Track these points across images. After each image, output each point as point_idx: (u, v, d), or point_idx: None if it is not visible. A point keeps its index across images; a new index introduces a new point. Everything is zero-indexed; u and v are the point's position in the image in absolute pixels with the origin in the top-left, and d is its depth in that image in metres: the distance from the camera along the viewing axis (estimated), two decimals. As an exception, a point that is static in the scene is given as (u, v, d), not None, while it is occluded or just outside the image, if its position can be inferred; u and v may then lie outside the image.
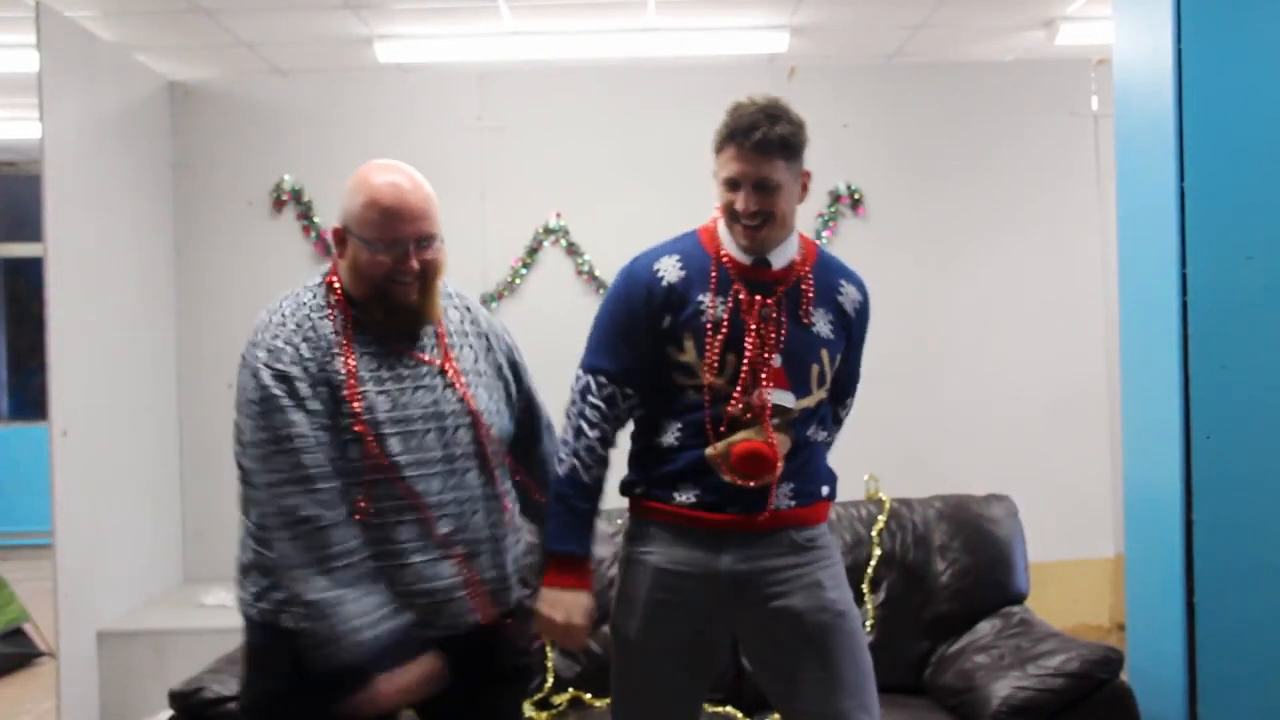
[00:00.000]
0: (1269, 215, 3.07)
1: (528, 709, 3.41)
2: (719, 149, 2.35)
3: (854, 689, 2.36)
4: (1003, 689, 3.08)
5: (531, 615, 2.34)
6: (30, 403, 9.09)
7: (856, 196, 5.54)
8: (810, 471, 2.38)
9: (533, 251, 5.49)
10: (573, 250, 5.47)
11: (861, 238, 5.53)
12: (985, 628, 3.46)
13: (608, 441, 2.36)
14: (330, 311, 2.17)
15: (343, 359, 2.12)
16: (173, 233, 5.37)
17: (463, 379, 2.24)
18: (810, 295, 2.39)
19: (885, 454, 5.13)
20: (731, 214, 2.33)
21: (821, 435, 2.43)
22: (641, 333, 2.36)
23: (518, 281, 5.48)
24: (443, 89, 5.56)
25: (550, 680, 3.47)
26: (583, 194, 5.44)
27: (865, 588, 3.55)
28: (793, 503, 2.33)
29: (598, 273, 5.44)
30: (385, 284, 2.15)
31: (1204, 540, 3.06)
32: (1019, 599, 3.59)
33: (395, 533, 2.11)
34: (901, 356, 5.52)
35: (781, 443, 2.31)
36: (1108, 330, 5.37)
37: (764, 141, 2.29)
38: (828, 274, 2.44)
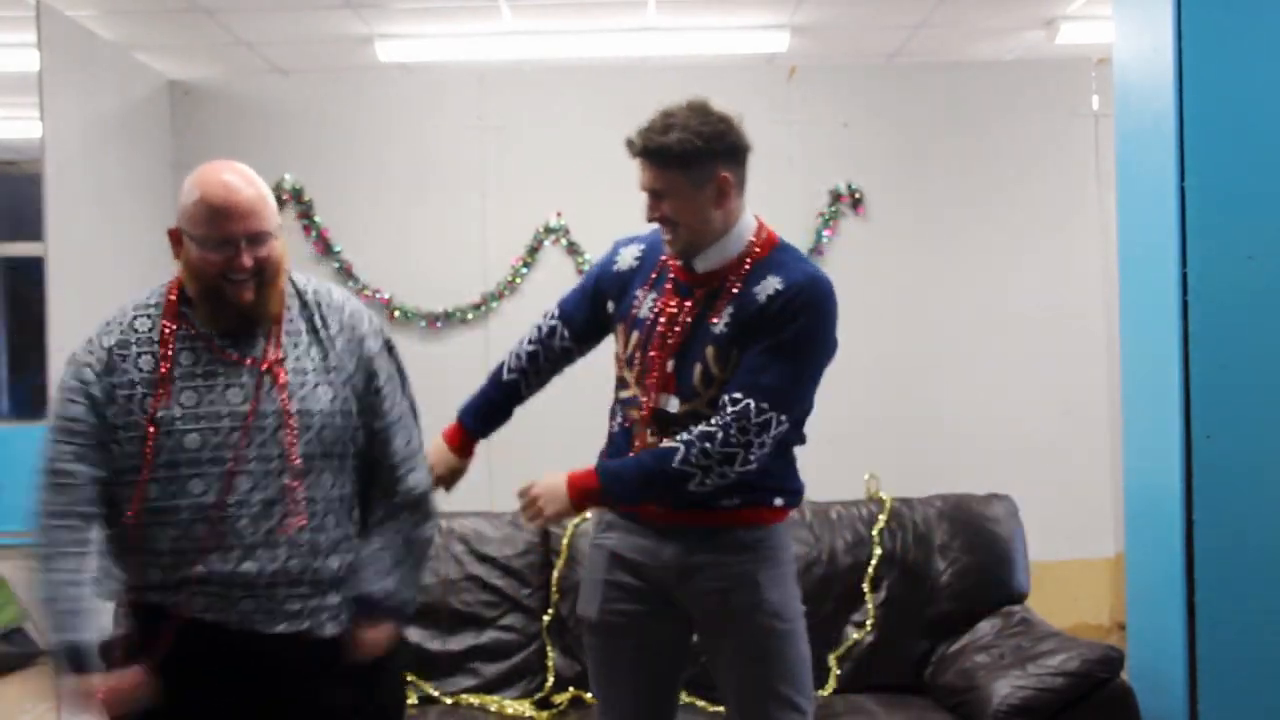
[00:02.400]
0: (1269, 215, 3.07)
1: (528, 709, 3.41)
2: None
3: (782, 686, 2.40)
4: (1003, 688, 3.09)
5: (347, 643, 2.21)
6: (30, 402, 9.09)
7: (856, 196, 5.53)
8: (754, 480, 2.35)
9: (533, 251, 5.49)
10: (573, 250, 5.47)
11: (861, 237, 5.53)
12: (986, 627, 3.47)
13: (535, 358, 2.59)
14: (152, 310, 2.21)
15: (151, 356, 2.16)
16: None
17: (291, 380, 2.16)
18: (729, 295, 2.35)
19: (885, 453, 5.13)
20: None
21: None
22: (589, 296, 2.55)
23: (518, 281, 5.48)
24: (443, 88, 5.56)
25: (550, 680, 3.48)
26: (583, 193, 5.44)
27: (866, 587, 3.55)
28: (737, 502, 2.38)
29: (598, 272, 5.44)
30: (218, 282, 2.12)
31: (1204, 539, 3.06)
32: (1019, 598, 3.59)
33: (172, 530, 2.12)
34: (902, 355, 5.52)
35: (648, 441, 2.37)
36: (1108, 329, 5.37)
37: (644, 151, 2.34)
38: (762, 272, 2.35)
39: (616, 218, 5.38)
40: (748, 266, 2.36)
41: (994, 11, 5.09)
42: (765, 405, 2.25)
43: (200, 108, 5.49)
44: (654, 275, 2.45)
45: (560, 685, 3.47)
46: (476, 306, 5.46)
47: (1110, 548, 5.49)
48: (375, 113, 5.51)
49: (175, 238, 2.19)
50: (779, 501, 2.44)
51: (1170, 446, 3.12)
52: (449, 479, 2.62)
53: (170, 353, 2.15)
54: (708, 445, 2.24)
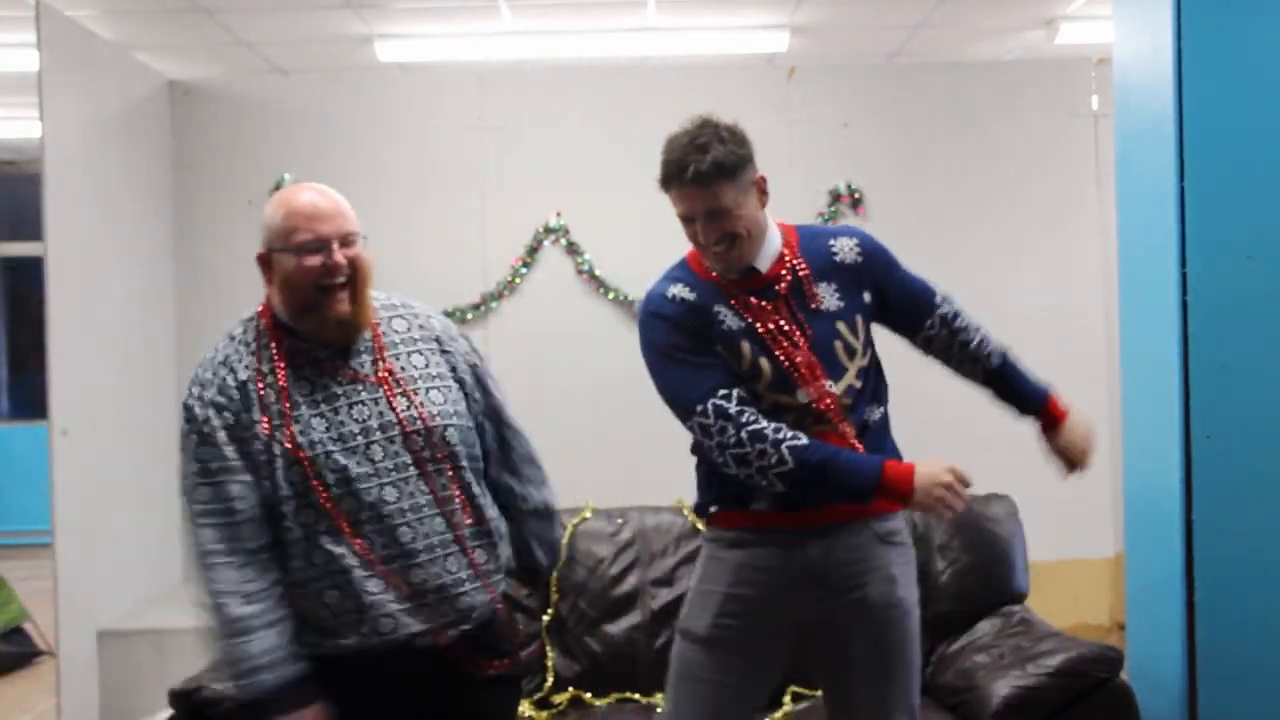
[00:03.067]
0: (1269, 215, 3.07)
1: (528, 708, 3.41)
2: (664, 189, 2.38)
3: (901, 690, 2.43)
4: (1003, 688, 3.09)
5: (505, 624, 2.35)
6: (30, 402, 9.10)
7: (856, 196, 5.53)
8: (876, 448, 2.43)
9: (533, 251, 5.49)
10: (573, 250, 5.47)
11: (861, 237, 5.53)
12: (985, 627, 3.47)
13: (780, 418, 2.34)
14: (258, 340, 2.20)
15: (275, 385, 2.16)
16: (173, 232, 5.37)
17: (406, 386, 2.22)
18: (808, 276, 2.42)
19: (885, 453, 5.13)
20: (699, 245, 2.38)
21: (877, 414, 2.48)
22: (702, 345, 2.37)
23: (518, 281, 5.48)
24: (443, 88, 5.56)
25: (550, 680, 3.48)
26: (583, 193, 5.44)
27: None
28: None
29: (598, 272, 5.44)
30: (317, 293, 2.15)
31: (1204, 540, 3.06)
32: (1019, 598, 3.59)
33: (328, 552, 2.11)
34: (901, 355, 5.50)
35: (847, 432, 2.39)
36: (1108, 330, 5.37)
37: (698, 175, 2.29)
38: (815, 245, 2.47)
39: (616, 218, 5.43)
40: (797, 248, 2.45)
41: (994, 11, 5.10)
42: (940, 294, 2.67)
43: (200, 108, 5.49)
44: (721, 290, 2.39)
45: (560, 685, 3.47)
46: (476, 306, 5.46)
47: (1110, 548, 5.49)
48: (375, 113, 5.51)
49: (265, 261, 2.21)
50: None
51: (1170, 446, 3.12)
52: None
53: (285, 382, 2.16)
54: (984, 329, 2.76)
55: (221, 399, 2.14)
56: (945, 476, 2.36)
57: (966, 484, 2.39)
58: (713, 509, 2.46)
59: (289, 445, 2.10)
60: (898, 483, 2.33)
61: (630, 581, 3.55)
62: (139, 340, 5.03)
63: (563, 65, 5.59)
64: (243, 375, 2.16)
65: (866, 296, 2.48)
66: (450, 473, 2.21)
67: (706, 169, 2.28)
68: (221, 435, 2.12)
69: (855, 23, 5.23)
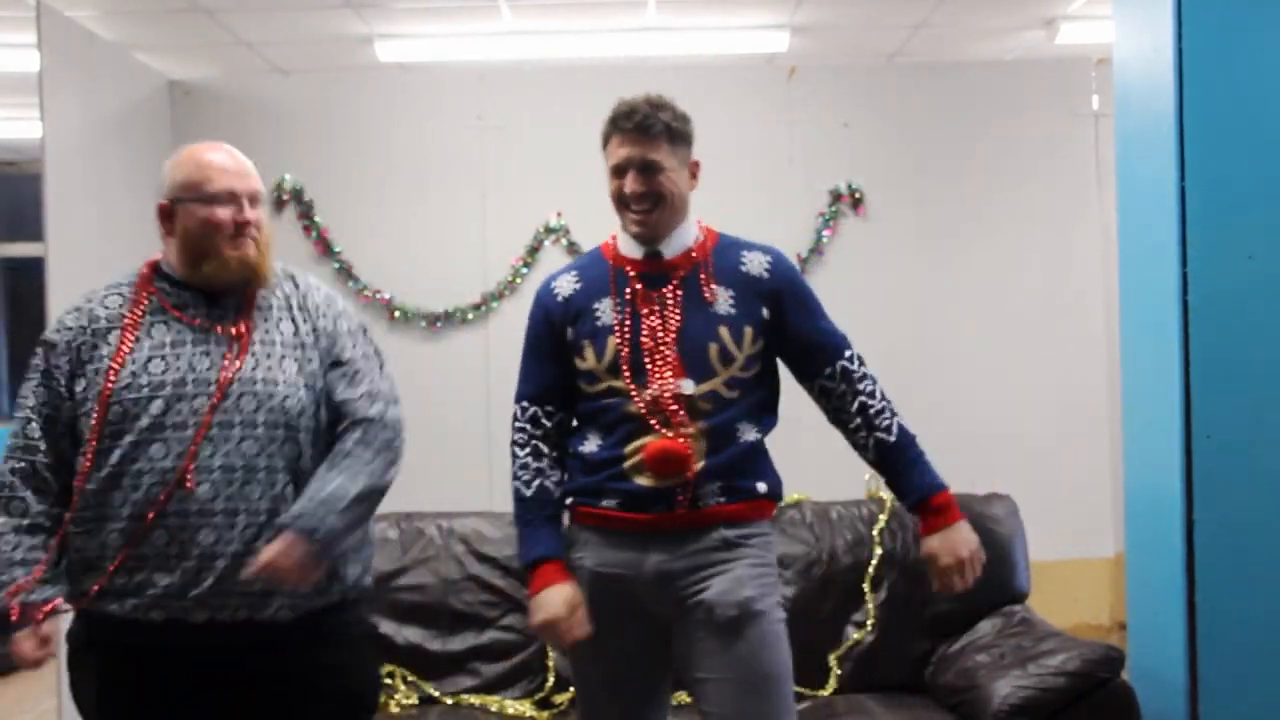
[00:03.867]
0: (1270, 214, 3.07)
1: (528, 708, 3.41)
2: (605, 141, 2.46)
3: (757, 692, 2.29)
4: (1003, 688, 3.09)
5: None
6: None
7: (856, 196, 5.53)
8: (742, 468, 2.35)
9: (533, 251, 5.49)
10: (573, 249, 5.46)
11: (861, 237, 5.53)
12: (986, 627, 3.47)
13: (540, 454, 2.44)
14: (124, 288, 2.27)
15: (119, 332, 2.20)
16: (173, 232, 5.37)
17: (260, 349, 2.21)
18: (709, 274, 2.40)
19: (886, 453, 5.13)
20: (621, 200, 2.42)
21: (749, 435, 2.37)
22: (548, 350, 2.47)
23: (518, 281, 5.48)
24: (443, 88, 5.56)
25: (551, 680, 3.48)
26: (583, 193, 5.43)
27: (866, 587, 3.55)
28: (721, 499, 2.33)
29: (598, 272, 5.44)
30: (222, 243, 2.20)
31: (1205, 539, 3.06)
32: (1020, 598, 3.59)
33: (133, 495, 2.13)
34: (901, 355, 5.52)
35: (695, 435, 2.31)
36: (1108, 329, 5.37)
37: (645, 123, 2.37)
38: (728, 252, 2.45)
39: (616, 218, 5.42)
40: (709, 248, 2.44)
41: (994, 11, 5.09)
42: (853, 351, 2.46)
43: (200, 108, 5.49)
44: (610, 284, 2.43)
45: (561, 685, 3.47)
46: (477, 307, 5.47)
47: (1110, 547, 5.49)
48: (375, 113, 5.51)
49: (166, 213, 2.26)
50: (763, 487, 2.39)
51: (1170, 446, 3.12)
52: (574, 610, 2.33)
53: (139, 319, 2.21)
54: (887, 399, 2.47)
55: (58, 342, 2.23)
56: (543, 615, 2.33)
57: (570, 635, 2.33)
58: (569, 500, 2.44)
59: (108, 382, 2.15)
60: (530, 584, 2.37)
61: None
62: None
63: (563, 65, 5.59)
64: (82, 323, 2.24)
65: (765, 312, 2.40)
66: (280, 443, 2.18)
67: (654, 121, 2.37)
68: (39, 372, 2.23)
69: (855, 23, 5.23)
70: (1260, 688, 3.05)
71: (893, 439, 2.44)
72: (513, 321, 5.39)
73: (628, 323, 2.38)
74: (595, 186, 5.78)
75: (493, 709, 3.40)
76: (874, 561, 3.56)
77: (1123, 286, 3.48)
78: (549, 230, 5.48)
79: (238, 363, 2.18)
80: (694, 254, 2.42)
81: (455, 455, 5.39)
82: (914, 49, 5.56)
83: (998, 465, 5.15)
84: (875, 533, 3.60)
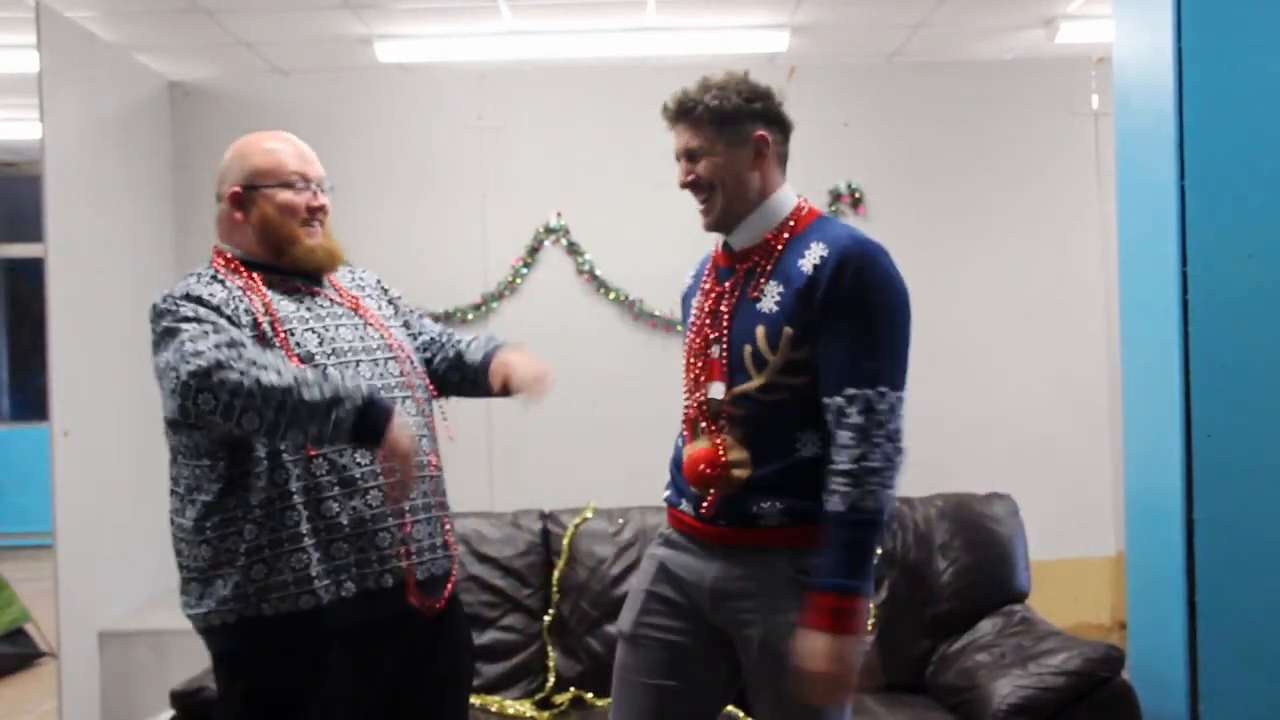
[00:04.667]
0: (1270, 214, 3.07)
1: (529, 708, 3.41)
2: None
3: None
4: (1004, 687, 3.09)
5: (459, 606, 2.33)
6: (31, 403, 9.10)
7: (856, 196, 5.53)
8: (798, 485, 2.11)
9: (533, 251, 5.48)
10: (573, 250, 5.46)
11: (862, 237, 5.53)
12: (986, 626, 3.47)
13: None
14: (229, 276, 2.19)
15: (260, 301, 2.15)
16: (173, 232, 5.37)
17: (376, 319, 2.30)
18: (766, 269, 2.19)
19: (886, 453, 5.13)
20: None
21: (813, 447, 2.12)
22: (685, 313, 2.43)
23: (518, 281, 5.48)
24: (443, 88, 5.56)
25: (552, 680, 3.48)
26: (583, 193, 5.44)
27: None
28: (783, 520, 2.12)
29: (598, 272, 5.44)
30: (299, 229, 2.22)
31: (1205, 538, 3.06)
32: (1020, 597, 3.60)
33: (337, 468, 2.10)
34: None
35: (729, 445, 2.16)
36: (1108, 328, 5.37)
37: (679, 110, 2.24)
38: (803, 240, 2.18)
39: (617, 218, 5.42)
40: (786, 238, 2.20)
41: (993, 11, 5.09)
42: (884, 389, 2.03)
43: (200, 108, 5.49)
44: (706, 272, 2.34)
45: (561, 685, 3.48)
46: (476, 307, 5.46)
47: (1111, 547, 5.49)
48: (375, 113, 5.51)
49: (239, 200, 2.24)
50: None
51: (1171, 445, 3.12)
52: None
53: (268, 299, 2.16)
54: (864, 464, 2.00)
55: (211, 298, 2.09)
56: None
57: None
58: (665, 494, 2.36)
59: (287, 353, 2.09)
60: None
61: (631, 581, 3.55)
62: (140, 340, 5.01)
63: (563, 65, 5.59)
64: (223, 294, 2.12)
65: (808, 314, 2.11)
66: (425, 401, 2.30)
67: (688, 105, 2.22)
68: (216, 310, 2.07)
69: (855, 22, 5.23)
70: (1260, 687, 3.05)
71: (830, 510, 2.05)
72: (513, 321, 5.39)
73: (695, 317, 2.31)
74: (595, 186, 5.83)
75: (493, 709, 3.40)
76: (874, 561, 3.56)
77: (1122, 286, 3.48)
78: (549, 230, 5.48)
79: (371, 331, 2.25)
80: (768, 243, 2.21)
81: (455, 455, 5.37)
82: (914, 49, 5.56)
83: (998, 464, 5.16)
84: (875, 532, 3.60)
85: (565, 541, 3.60)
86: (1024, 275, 5.60)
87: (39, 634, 5.61)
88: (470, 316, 5.46)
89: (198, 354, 1.94)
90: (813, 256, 2.13)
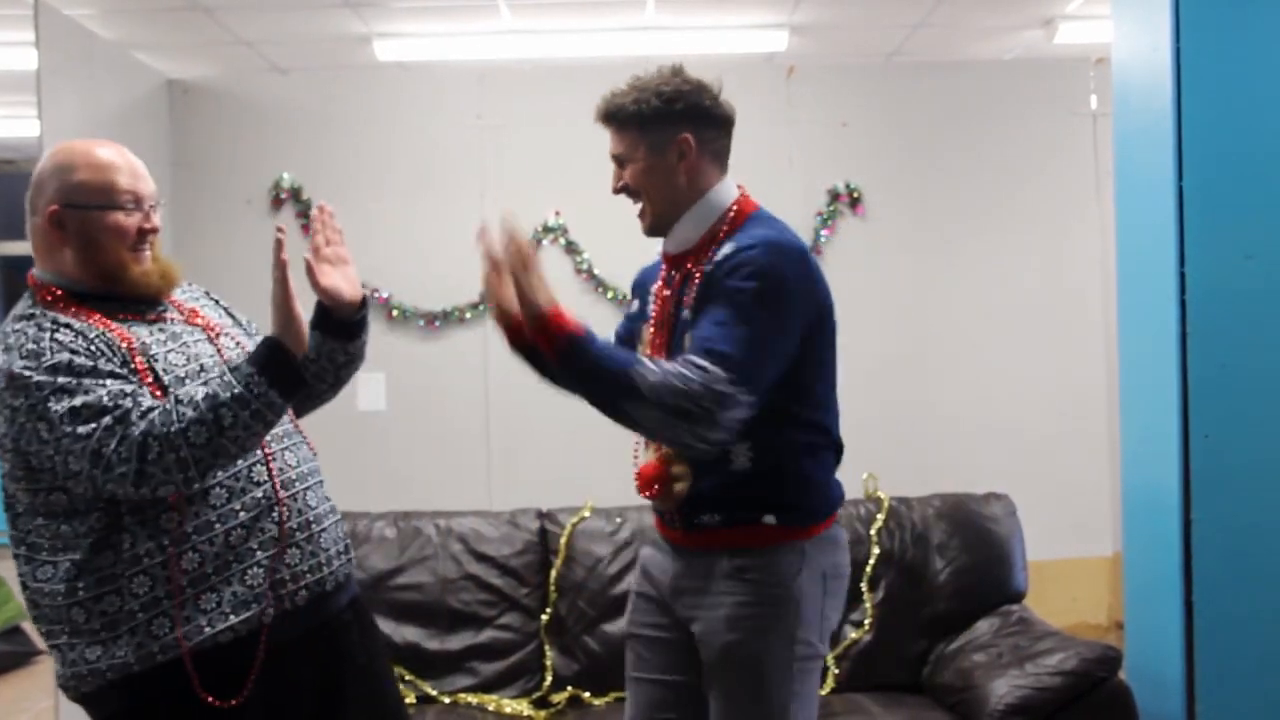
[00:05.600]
0: (1268, 214, 3.07)
1: (526, 708, 3.41)
2: None
3: None
4: (1001, 687, 3.09)
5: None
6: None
7: (855, 195, 5.54)
8: (736, 497, 2.16)
9: (532, 250, 5.48)
10: (572, 249, 5.47)
11: (860, 237, 5.53)
12: (984, 626, 3.47)
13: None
14: (63, 310, 1.97)
15: (115, 341, 1.95)
16: (171, 231, 5.36)
17: (220, 332, 2.16)
18: (696, 277, 2.16)
19: (884, 452, 5.12)
20: None
21: (744, 459, 2.13)
22: (629, 314, 2.45)
23: (517, 280, 5.48)
24: (442, 87, 5.56)
25: (549, 679, 3.48)
26: (582, 192, 5.43)
27: (864, 586, 3.55)
28: (719, 523, 2.17)
29: (597, 271, 5.44)
30: (127, 254, 2.01)
31: (1202, 539, 3.06)
32: (1017, 597, 3.60)
33: (229, 510, 1.98)
34: (900, 355, 5.52)
35: (672, 458, 2.17)
36: (1106, 329, 5.37)
37: (604, 115, 2.22)
38: (726, 242, 2.15)
39: (615, 217, 5.40)
40: (720, 238, 2.16)
41: (992, 11, 5.09)
42: (726, 376, 1.96)
43: (199, 107, 5.49)
44: (660, 275, 2.32)
45: (558, 684, 3.48)
46: (475, 306, 5.46)
47: (1108, 547, 5.50)
48: (374, 112, 5.51)
49: (57, 220, 1.99)
50: (770, 519, 2.15)
51: (1168, 445, 3.12)
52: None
53: (125, 335, 1.98)
54: (678, 385, 1.94)
55: (64, 354, 1.89)
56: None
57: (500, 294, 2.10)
58: None
59: (150, 384, 1.94)
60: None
61: (629, 581, 3.55)
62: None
63: (562, 64, 5.58)
64: (78, 330, 1.93)
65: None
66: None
67: (612, 109, 2.20)
68: (85, 362, 1.88)
69: (854, 22, 5.22)
70: (1257, 686, 3.05)
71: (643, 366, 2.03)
72: (511, 320, 5.40)
73: (651, 319, 2.30)
74: (594, 185, 5.79)
75: (490, 708, 3.40)
76: (872, 561, 3.56)
77: (1121, 286, 3.48)
78: (548, 229, 5.48)
79: (219, 345, 2.11)
80: (702, 246, 2.18)
81: (453, 454, 5.39)
82: (913, 48, 5.56)
83: (996, 464, 5.16)
84: (873, 532, 3.60)
85: (563, 540, 3.60)
86: (1022, 275, 5.60)
87: (35, 632, 5.61)
88: (469, 315, 5.46)
89: (119, 440, 1.83)
90: (721, 254, 2.12)
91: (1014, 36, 5.45)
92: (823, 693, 3.42)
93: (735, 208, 2.22)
